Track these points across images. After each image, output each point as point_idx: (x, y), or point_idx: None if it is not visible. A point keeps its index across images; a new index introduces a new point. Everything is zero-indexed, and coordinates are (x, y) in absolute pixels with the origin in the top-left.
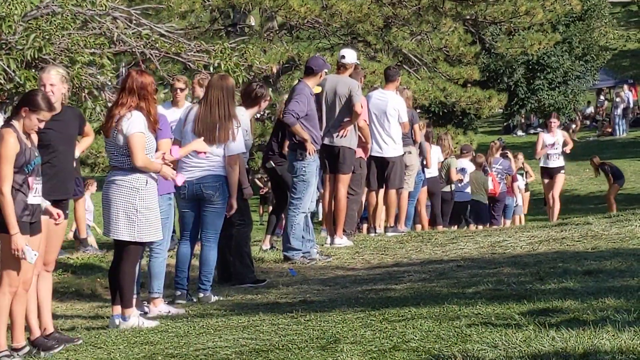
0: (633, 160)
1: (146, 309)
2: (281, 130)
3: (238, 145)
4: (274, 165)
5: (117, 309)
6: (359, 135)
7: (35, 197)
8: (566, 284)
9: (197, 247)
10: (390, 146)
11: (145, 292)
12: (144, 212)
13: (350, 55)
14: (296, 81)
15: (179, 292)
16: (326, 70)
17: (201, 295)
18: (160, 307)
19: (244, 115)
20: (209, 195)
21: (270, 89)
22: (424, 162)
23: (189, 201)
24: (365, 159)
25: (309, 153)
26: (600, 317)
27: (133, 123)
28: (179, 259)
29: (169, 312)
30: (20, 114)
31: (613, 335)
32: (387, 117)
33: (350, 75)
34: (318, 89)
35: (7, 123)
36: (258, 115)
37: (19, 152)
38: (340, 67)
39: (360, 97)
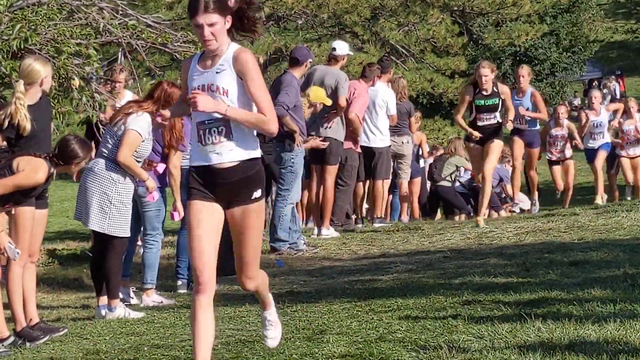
0: None
1: (132, 296)
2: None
3: None
4: (261, 153)
5: (103, 299)
6: (349, 127)
7: None
8: (552, 275)
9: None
10: (377, 137)
11: (135, 280)
12: (117, 206)
13: (341, 47)
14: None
15: (180, 282)
16: (310, 60)
17: None
18: (153, 297)
19: None
20: None
21: None
22: (419, 152)
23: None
24: (356, 150)
25: (297, 144)
26: (586, 308)
27: (137, 121)
28: (179, 249)
29: (161, 302)
30: (58, 165)
31: (599, 326)
32: (376, 108)
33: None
34: (329, 102)
35: (48, 161)
36: None
37: (34, 187)
38: (331, 59)
39: (345, 90)
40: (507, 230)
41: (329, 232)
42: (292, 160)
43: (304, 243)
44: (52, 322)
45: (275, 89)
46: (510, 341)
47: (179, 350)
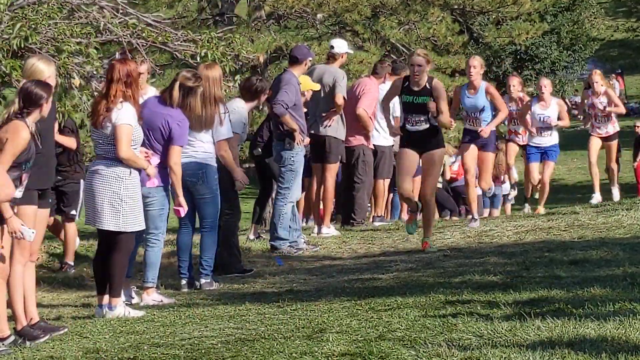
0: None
1: (133, 296)
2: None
3: (226, 130)
4: (261, 152)
5: (104, 298)
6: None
7: (21, 191)
8: (552, 273)
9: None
10: (381, 134)
11: (135, 279)
12: (128, 202)
13: (339, 45)
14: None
15: (183, 282)
16: (310, 59)
17: (202, 281)
18: (153, 296)
19: (243, 108)
20: (191, 183)
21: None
22: None
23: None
24: (369, 146)
25: (297, 143)
26: (586, 306)
27: (123, 114)
28: (179, 248)
29: (161, 301)
30: (30, 112)
31: (598, 325)
32: (382, 108)
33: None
34: (317, 87)
35: (21, 117)
36: None
37: (25, 149)
38: (330, 57)
39: (343, 88)
40: (507, 229)
41: (329, 230)
42: (292, 159)
43: (304, 241)
44: (52, 321)
45: (275, 88)
46: (510, 340)
47: (178, 349)
